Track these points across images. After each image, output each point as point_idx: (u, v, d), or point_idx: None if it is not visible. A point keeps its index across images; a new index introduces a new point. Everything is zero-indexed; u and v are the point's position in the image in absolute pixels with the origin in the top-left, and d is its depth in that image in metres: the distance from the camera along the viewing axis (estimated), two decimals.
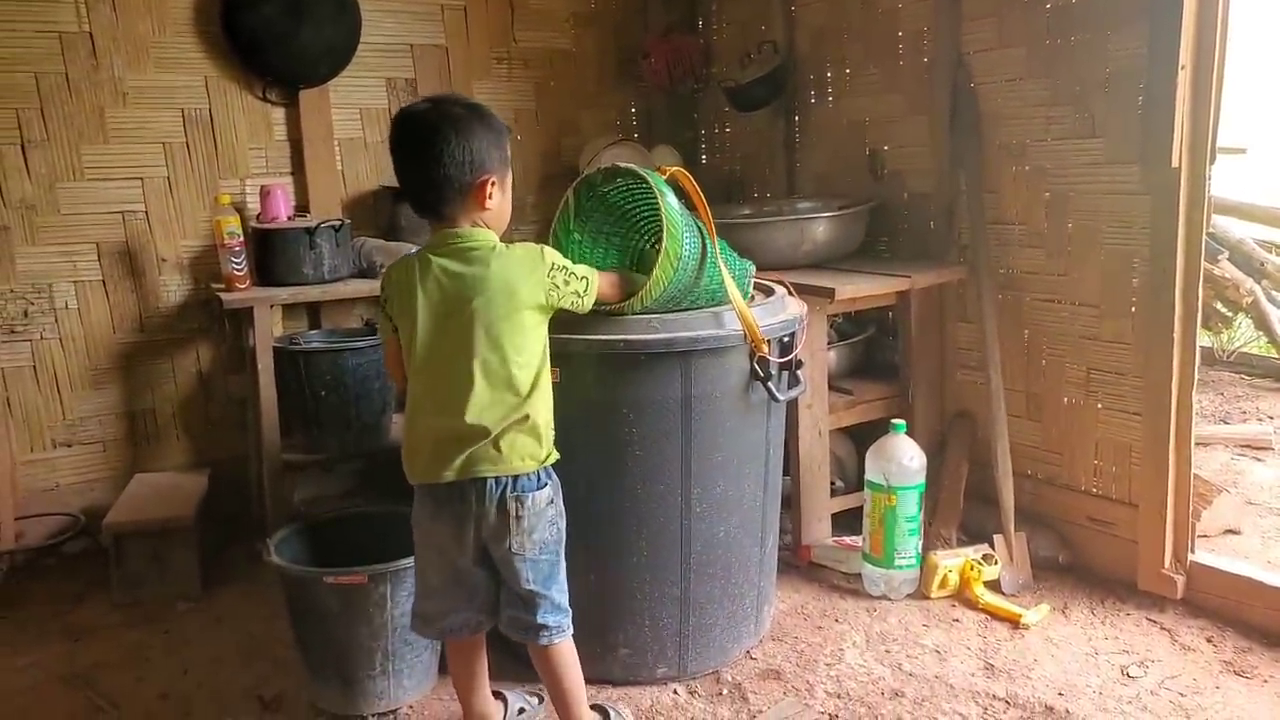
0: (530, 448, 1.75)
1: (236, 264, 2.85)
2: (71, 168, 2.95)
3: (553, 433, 1.81)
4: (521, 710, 2.08)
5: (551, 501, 1.81)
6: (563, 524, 1.84)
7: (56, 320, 2.99)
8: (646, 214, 2.17)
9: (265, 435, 2.85)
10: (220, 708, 2.16)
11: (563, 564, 1.85)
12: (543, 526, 1.79)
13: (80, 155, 2.96)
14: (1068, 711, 2.05)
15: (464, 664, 1.93)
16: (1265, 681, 2.13)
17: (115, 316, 3.06)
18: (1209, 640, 2.30)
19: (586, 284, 1.83)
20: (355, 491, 3.27)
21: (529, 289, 1.74)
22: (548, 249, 1.80)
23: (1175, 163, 2.29)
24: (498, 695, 2.04)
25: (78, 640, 2.49)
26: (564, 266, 1.80)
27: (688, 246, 1.95)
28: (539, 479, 1.78)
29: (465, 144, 1.70)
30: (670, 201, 1.92)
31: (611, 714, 2.04)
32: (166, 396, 3.17)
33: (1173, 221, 2.32)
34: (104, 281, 3.04)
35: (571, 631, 1.85)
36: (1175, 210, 2.31)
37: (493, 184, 1.74)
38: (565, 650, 1.85)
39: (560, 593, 1.84)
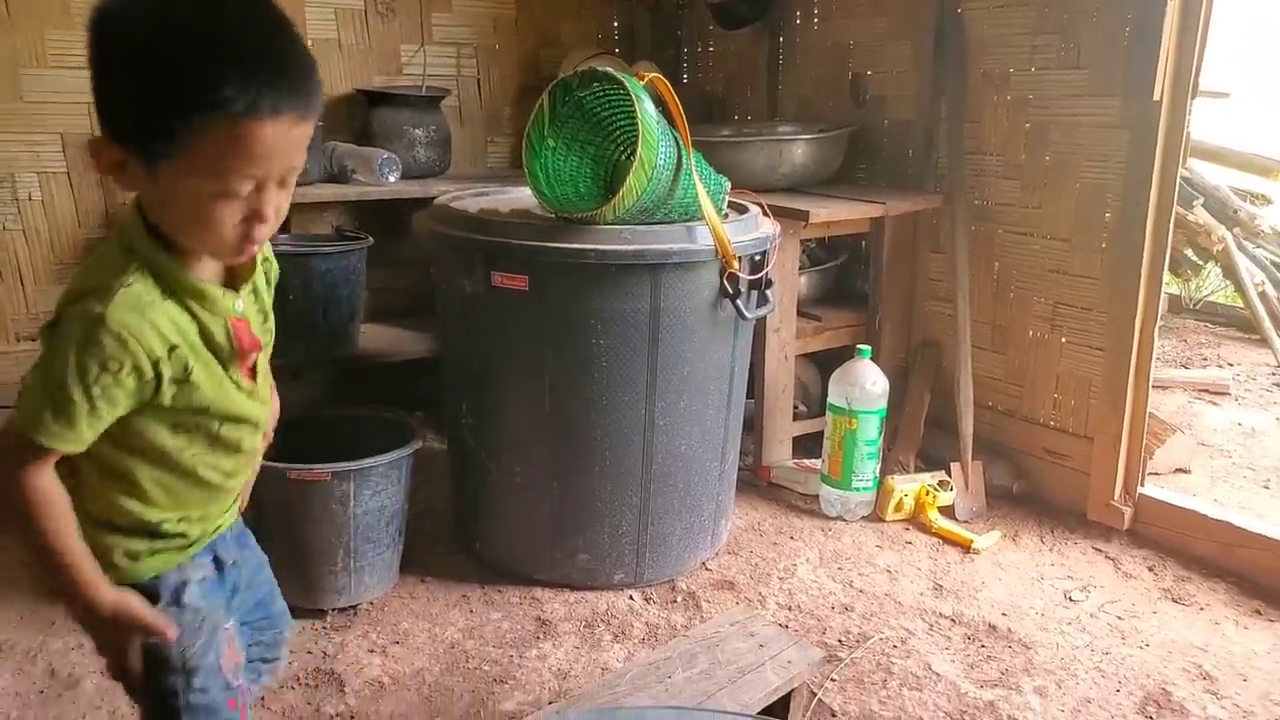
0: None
1: None
2: (35, 53, 2.85)
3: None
4: None
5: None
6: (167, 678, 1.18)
7: (19, 211, 2.92)
8: (624, 124, 2.14)
9: None
10: None
11: None
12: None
13: (44, 40, 2.85)
14: (1010, 630, 2.12)
15: None
16: (1201, 609, 2.21)
17: (80, 210, 3.00)
18: (1150, 569, 2.38)
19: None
20: (323, 399, 3.27)
21: None
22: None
23: (1157, 96, 2.28)
24: None
25: None
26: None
27: (663, 155, 1.93)
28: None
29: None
30: (647, 108, 1.89)
31: None
32: None
33: (1149, 156, 2.32)
34: (69, 174, 2.96)
35: None
36: (1153, 145, 2.31)
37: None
38: None
39: None
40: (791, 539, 2.52)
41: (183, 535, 1.17)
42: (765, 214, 2.34)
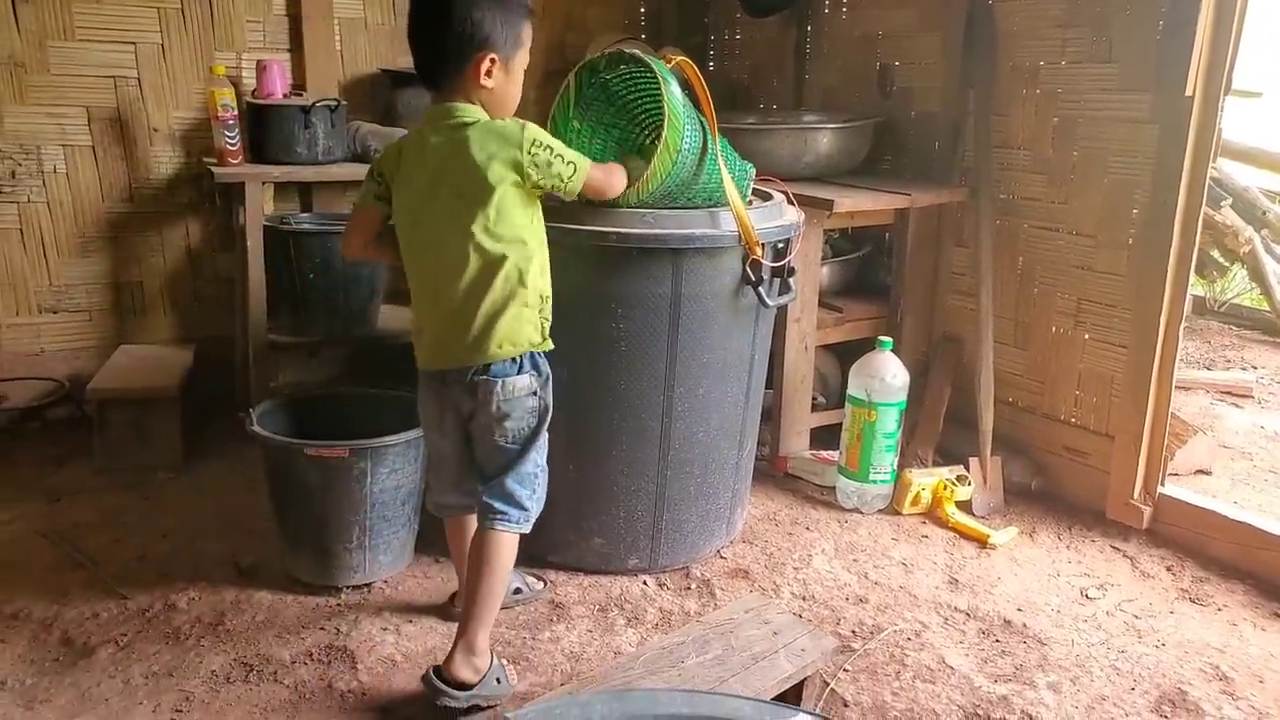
0: (510, 333, 1.70)
1: (230, 138, 2.80)
2: (63, 26, 2.87)
3: (546, 321, 1.77)
4: (518, 590, 2.10)
5: (534, 393, 1.76)
6: (543, 419, 1.78)
7: (44, 184, 2.94)
8: (649, 106, 2.13)
9: (251, 314, 2.84)
10: (196, 571, 2.20)
11: (535, 460, 1.79)
12: (517, 415, 1.75)
13: (72, 13, 2.87)
14: (1025, 626, 2.11)
15: (455, 539, 1.96)
16: (1219, 610, 2.19)
17: (104, 185, 3.01)
18: (1168, 569, 2.36)
19: (574, 169, 1.72)
20: (340, 379, 3.29)
21: (502, 162, 1.64)
22: (531, 125, 1.68)
23: (1190, 91, 2.25)
24: None
25: (58, 501, 2.52)
26: (548, 145, 1.68)
27: (688, 139, 1.92)
28: (519, 365, 1.74)
29: (468, 15, 1.62)
30: (674, 90, 1.88)
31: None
32: (154, 270, 3.14)
33: (1180, 153, 2.29)
34: (94, 148, 2.98)
35: (518, 531, 1.79)
36: (1183, 141, 2.28)
37: (493, 61, 1.66)
38: (499, 543, 1.77)
39: (519, 485, 1.78)
40: (807, 530, 2.51)
41: (548, 321, 1.79)
42: (790, 202, 2.32)
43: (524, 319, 1.72)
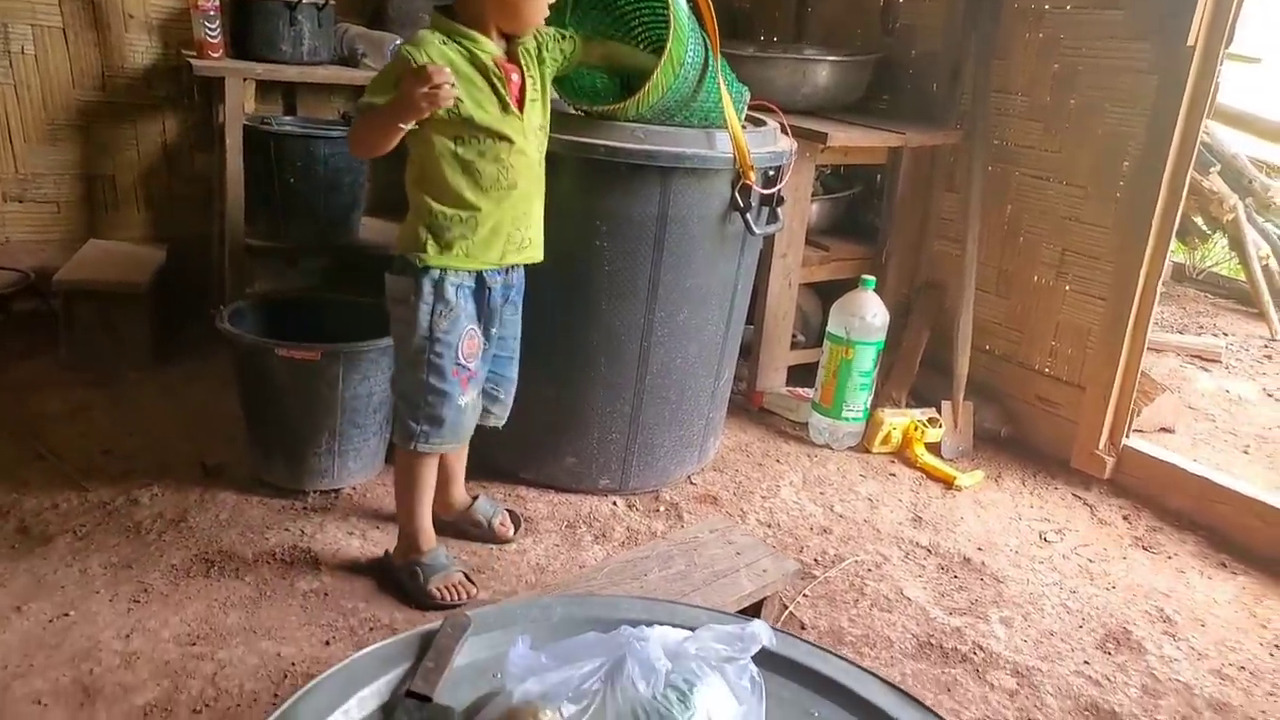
0: (404, 229, 1.71)
1: (210, 29, 2.69)
2: None
3: (432, 236, 1.67)
4: (478, 525, 2.04)
5: (406, 301, 1.69)
6: (411, 336, 1.71)
7: (11, 65, 2.83)
8: (647, 19, 2.07)
9: (229, 215, 2.77)
10: (161, 469, 2.18)
11: (413, 378, 1.74)
12: (394, 318, 1.75)
13: None
14: (983, 564, 2.15)
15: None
16: (1169, 558, 2.24)
17: (76, 70, 2.91)
18: (1125, 518, 2.40)
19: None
20: (318, 289, 3.23)
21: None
22: (406, 45, 1.64)
23: (1191, 41, 2.22)
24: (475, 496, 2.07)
25: (21, 393, 2.47)
26: (380, 71, 1.68)
27: (691, 54, 1.87)
28: (400, 265, 1.71)
29: None
30: (680, 2, 1.83)
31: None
32: (128, 164, 3.05)
33: (1175, 105, 2.28)
34: (65, 30, 2.86)
35: (405, 449, 1.79)
36: (1181, 93, 2.27)
37: None
38: (400, 460, 1.83)
39: (399, 399, 1.80)
40: (777, 462, 2.53)
41: (463, 239, 1.67)
42: (784, 130, 2.29)
43: (410, 222, 1.71)
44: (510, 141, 1.67)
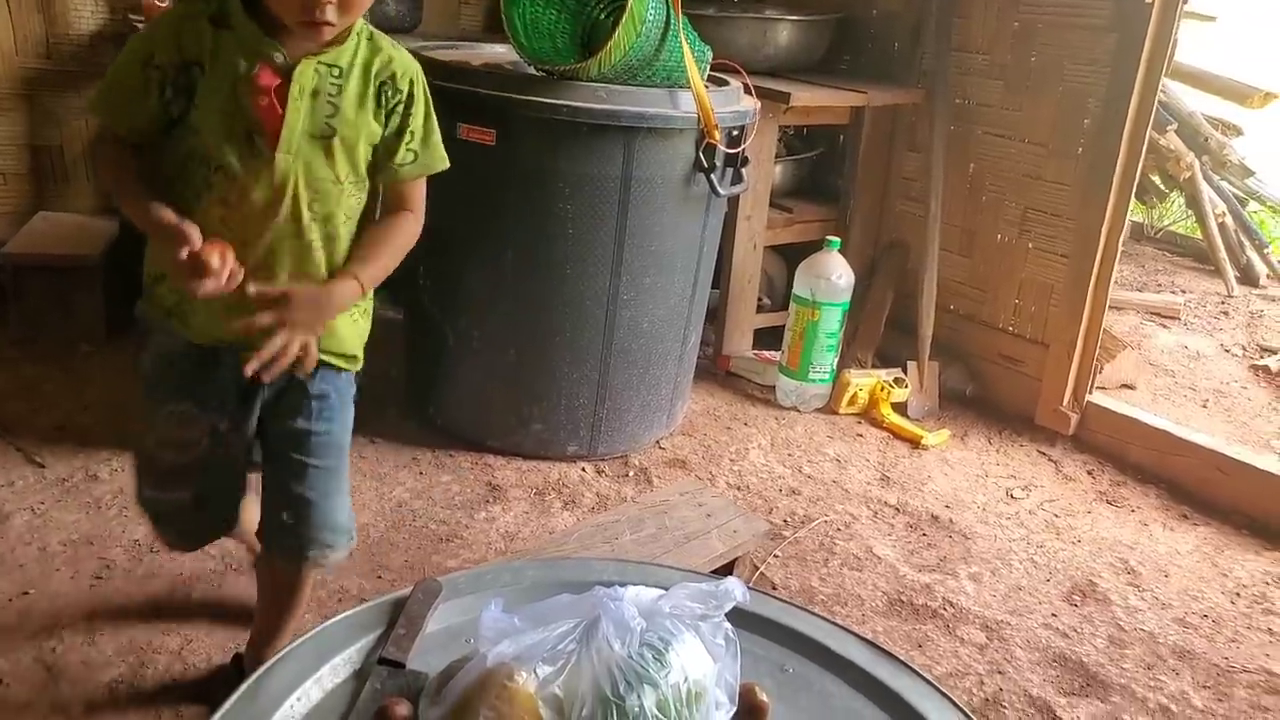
0: None
1: None
2: None
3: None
4: None
5: None
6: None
7: None
8: None
9: None
10: (119, 444, 2.12)
11: None
12: None
13: None
14: (951, 521, 2.17)
15: None
16: (1133, 511, 2.29)
17: (18, 36, 2.80)
18: (1089, 473, 2.44)
19: None
20: None
21: None
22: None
23: None
24: None
25: None
26: None
27: (652, 11, 1.84)
28: None
29: None
30: None
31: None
32: (76, 134, 2.96)
33: (1134, 61, 2.29)
34: None
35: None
36: (1139, 50, 2.28)
37: None
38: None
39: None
40: (745, 425, 2.53)
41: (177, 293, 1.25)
42: (747, 90, 2.26)
43: None
44: (249, 187, 1.23)
